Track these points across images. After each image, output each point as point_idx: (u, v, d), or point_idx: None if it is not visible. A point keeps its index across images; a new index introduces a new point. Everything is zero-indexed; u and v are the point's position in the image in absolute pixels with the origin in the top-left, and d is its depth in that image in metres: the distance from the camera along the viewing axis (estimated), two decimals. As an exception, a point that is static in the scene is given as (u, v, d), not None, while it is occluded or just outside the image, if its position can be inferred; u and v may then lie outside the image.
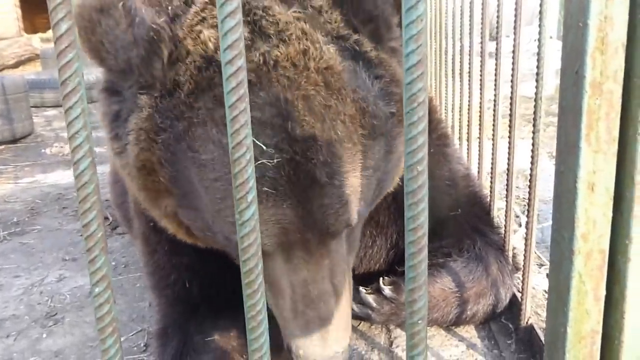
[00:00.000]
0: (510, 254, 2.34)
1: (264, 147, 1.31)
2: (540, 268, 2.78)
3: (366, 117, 1.41)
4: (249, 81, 1.31)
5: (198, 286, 1.97)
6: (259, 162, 1.30)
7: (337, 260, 1.52)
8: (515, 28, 2.09)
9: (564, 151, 1.00)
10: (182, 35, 1.36)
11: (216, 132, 1.34)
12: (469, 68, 2.99)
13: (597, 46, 0.88)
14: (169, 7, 1.42)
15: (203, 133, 1.35)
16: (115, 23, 1.33)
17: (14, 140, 6.61)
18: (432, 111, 2.20)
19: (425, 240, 0.89)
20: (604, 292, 1.04)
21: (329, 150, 1.36)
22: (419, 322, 0.91)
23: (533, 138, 1.94)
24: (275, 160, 1.32)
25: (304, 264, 1.45)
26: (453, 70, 3.43)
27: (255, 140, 1.29)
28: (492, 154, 2.47)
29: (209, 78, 1.34)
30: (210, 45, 1.35)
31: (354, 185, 1.42)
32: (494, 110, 2.40)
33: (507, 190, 2.26)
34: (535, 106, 1.91)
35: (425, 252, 0.89)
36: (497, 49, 2.34)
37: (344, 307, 1.53)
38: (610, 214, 0.98)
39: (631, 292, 1.02)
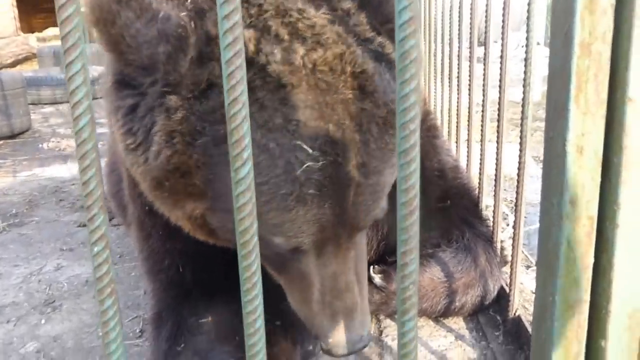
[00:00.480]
0: (499, 245, 2.31)
1: (310, 151, 1.28)
2: (527, 270, 2.74)
3: (395, 118, 1.40)
4: (291, 84, 1.28)
5: (191, 271, 1.92)
6: (306, 165, 1.28)
7: (360, 251, 1.53)
8: (503, 34, 2.09)
9: (553, 116, 0.96)
10: (216, 33, 1.25)
11: (261, 136, 1.27)
12: (458, 72, 2.98)
13: (586, 5, 0.85)
14: (187, 0, 1.32)
15: None
16: (134, 16, 1.25)
17: (12, 136, 6.49)
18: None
19: (417, 202, 0.86)
20: (592, 260, 0.99)
21: (366, 151, 1.35)
22: (410, 286, 0.87)
23: (521, 126, 1.92)
24: (320, 163, 1.29)
25: (333, 258, 1.44)
26: (442, 74, 3.41)
27: (301, 144, 1.28)
28: (481, 154, 2.44)
29: (250, 81, 1.23)
30: (251, 46, 1.27)
31: (384, 183, 1.42)
32: (482, 114, 2.39)
33: (495, 181, 2.22)
34: (523, 98, 1.90)
35: (417, 214, 0.86)
36: (485, 54, 2.34)
37: (365, 293, 1.55)
38: (599, 179, 0.95)
39: (619, 260, 0.98)
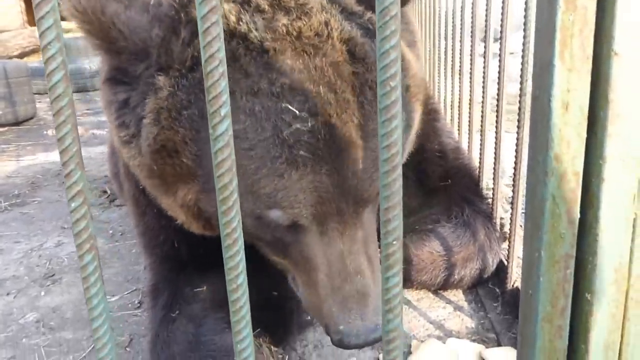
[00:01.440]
0: (498, 221, 2.34)
1: (297, 112, 1.29)
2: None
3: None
4: (273, 48, 1.31)
5: (186, 246, 1.97)
6: (293, 127, 1.29)
7: (369, 231, 1.47)
8: (501, 29, 2.16)
9: (538, 74, 0.99)
10: None
11: (246, 100, 1.30)
12: (460, 68, 3.04)
13: (571, -41, 0.88)
14: None
15: (232, 103, 1.28)
16: (123, 6, 1.30)
17: (17, 123, 6.61)
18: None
19: (399, 159, 0.85)
20: (578, 215, 1.02)
21: (361, 112, 1.34)
22: (394, 242, 0.87)
23: (520, 103, 1.95)
24: (309, 124, 1.29)
25: (339, 236, 1.39)
26: (445, 69, 3.49)
27: (288, 106, 1.29)
28: (481, 140, 2.48)
29: (233, 50, 1.31)
30: (232, 17, 1.33)
31: None
32: (482, 105, 2.45)
33: (494, 159, 2.25)
34: (521, 69, 1.94)
35: (399, 171, 0.84)
36: (485, 51, 2.42)
37: (378, 279, 1.47)
38: (585, 135, 0.97)
39: (605, 215, 1.01)
